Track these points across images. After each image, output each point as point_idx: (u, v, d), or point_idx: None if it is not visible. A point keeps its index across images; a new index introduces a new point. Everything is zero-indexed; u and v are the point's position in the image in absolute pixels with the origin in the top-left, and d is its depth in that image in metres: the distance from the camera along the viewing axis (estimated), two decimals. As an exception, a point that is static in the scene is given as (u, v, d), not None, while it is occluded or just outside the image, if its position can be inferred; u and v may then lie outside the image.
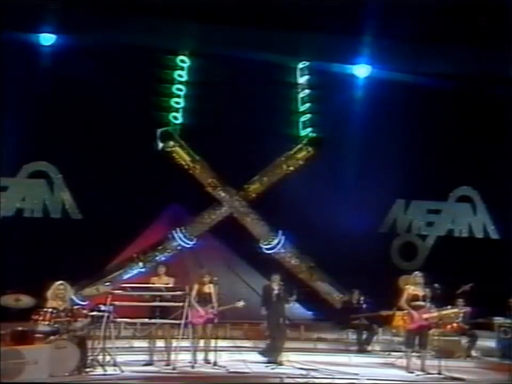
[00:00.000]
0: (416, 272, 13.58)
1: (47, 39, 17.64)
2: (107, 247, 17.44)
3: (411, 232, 20.50)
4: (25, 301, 12.38)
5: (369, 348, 15.80)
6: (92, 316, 12.29)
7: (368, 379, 12.24)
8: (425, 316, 13.05)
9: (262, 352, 13.99)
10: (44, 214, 18.42)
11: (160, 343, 13.43)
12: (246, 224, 19.11)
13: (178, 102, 18.96)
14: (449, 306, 14.20)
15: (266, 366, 13.35)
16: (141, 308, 13.29)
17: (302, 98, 19.53)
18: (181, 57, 19.03)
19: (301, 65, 19.55)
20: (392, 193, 19.78)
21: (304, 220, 18.25)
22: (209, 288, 13.52)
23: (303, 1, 16.75)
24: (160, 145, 18.78)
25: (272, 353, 13.71)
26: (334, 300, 18.86)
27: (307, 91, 19.57)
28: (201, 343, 13.43)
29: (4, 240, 16.29)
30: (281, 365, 13.35)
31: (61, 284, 12.40)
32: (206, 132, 18.34)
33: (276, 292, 13.83)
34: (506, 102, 17.71)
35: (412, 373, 12.94)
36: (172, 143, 18.82)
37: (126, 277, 17.90)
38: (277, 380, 12.03)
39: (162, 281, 13.53)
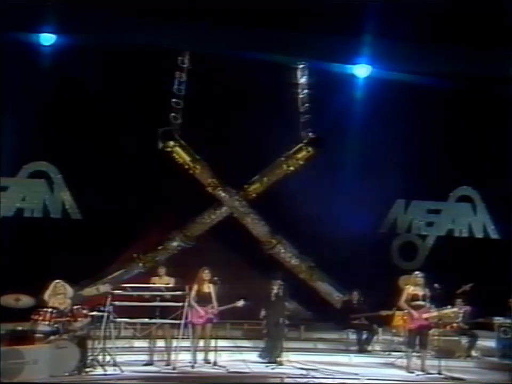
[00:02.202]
0: (416, 272, 13.60)
1: (47, 39, 17.62)
2: (107, 247, 17.42)
3: (411, 232, 20.48)
4: (25, 301, 12.39)
5: (369, 348, 15.82)
6: (92, 315, 12.31)
7: (368, 379, 12.28)
8: (425, 315, 13.08)
9: (261, 354, 14.00)
10: (44, 214, 18.40)
11: (160, 343, 13.44)
12: (246, 224, 19.11)
13: (178, 102, 18.95)
14: (449, 306, 14.21)
15: (266, 366, 13.38)
16: (141, 308, 13.29)
17: (302, 98, 19.51)
18: (181, 57, 19.03)
19: (301, 65, 19.55)
20: (392, 193, 19.78)
21: (304, 220, 18.24)
22: (208, 288, 13.54)
23: (303, 2, 16.74)
24: (160, 145, 18.77)
25: (271, 353, 13.71)
26: (334, 299, 18.85)
27: (307, 91, 19.56)
28: (201, 343, 13.44)
29: (4, 240, 16.29)
30: (281, 365, 13.36)
31: (59, 283, 12.43)
32: (206, 132, 18.33)
33: (275, 291, 13.85)
34: (506, 102, 17.70)
35: (412, 373, 12.97)
36: (171, 143, 18.81)
37: (126, 277, 17.89)
38: (277, 380, 12.07)
39: (163, 281, 13.56)
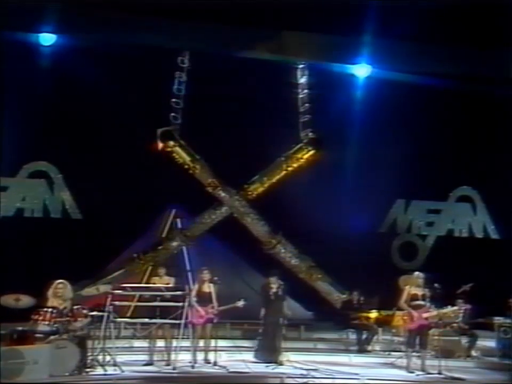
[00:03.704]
0: (416, 272, 13.59)
1: (47, 39, 17.62)
2: (107, 247, 17.43)
3: (411, 232, 20.51)
4: (25, 301, 12.37)
5: (369, 348, 15.81)
6: (92, 315, 12.31)
7: (368, 379, 12.27)
8: (425, 315, 13.07)
9: (256, 354, 13.92)
10: (44, 214, 18.43)
11: (160, 343, 13.44)
12: (246, 224, 19.10)
13: (178, 102, 18.95)
14: (449, 306, 14.20)
15: (266, 366, 13.36)
16: (141, 308, 13.29)
17: (302, 98, 19.51)
18: (181, 57, 19.03)
19: (301, 65, 19.55)
20: (392, 193, 19.79)
21: (304, 220, 18.24)
22: (209, 288, 13.54)
23: (303, 1, 16.74)
24: (160, 145, 18.78)
25: (269, 354, 13.67)
26: (334, 299, 18.85)
27: (307, 91, 19.56)
28: (201, 343, 13.44)
29: (4, 240, 16.29)
30: (281, 365, 13.35)
31: (61, 283, 12.42)
32: (206, 132, 18.33)
33: (274, 290, 13.83)
34: (506, 102, 17.70)
35: (412, 372, 12.96)
36: (171, 143, 18.81)
37: (126, 277, 17.87)
38: (277, 380, 12.06)
39: (163, 281, 13.56)
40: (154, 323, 13.20)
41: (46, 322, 11.79)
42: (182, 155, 18.87)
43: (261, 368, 13.26)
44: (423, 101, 18.63)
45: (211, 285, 13.54)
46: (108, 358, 12.31)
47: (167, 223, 18.87)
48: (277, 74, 19.01)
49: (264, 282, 14.36)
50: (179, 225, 18.77)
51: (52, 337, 11.64)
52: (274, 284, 13.91)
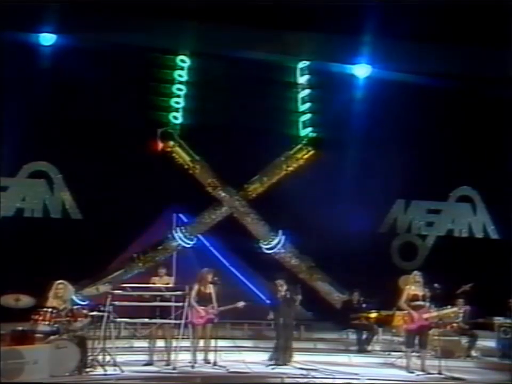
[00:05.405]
0: (416, 272, 13.58)
1: (47, 39, 17.64)
2: (107, 247, 17.43)
3: (411, 232, 20.49)
4: (25, 301, 12.36)
5: (369, 348, 15.80)
6: (92, 315, 12.30)
7: (368, 379, 12.25)
8: (425, 315, 13.06)
9: (272, 355, 13.85)
10: (44, 214, 18.42)
11: (160, 343, 13.44)
12: (246, 224, 19.12)
13: (178, 102, 18.97)
14: (449, 306, 14.20)
15: (267, 366, 13.35)
16: (141, 308, 13.29)
17: (302, 98, 19.53)
18: (181, 57, 19.05)
19: (301, 65, 19.56)
20: (392, 193, 19.78)
21: (304, 220, 18.24)
22: (209, 288, 13.52)
23: (303, 1, 16.75)
24: (160, 145, 18.80)
25: (281, 355, 13.62)
26: (334, 299, 18.86)
27: (307, 91, 19.57)
28: (201, 343, 13.43)
29: (4, 240, 16.29)
30: (281, 364, 13.34)
31: (61, 283, 12.42)
32: (206, 132, 18.35)
33: (282, 293, 13.76)
34: (506, 102, 17.70)
35: (412, 373, 12.94)
36: (171, 143, 18.84)
37: (126, 277, 17.89)
38: (277, 380, 12.04)
39: (163, 281, 13.55)
40: (154, 323, 13.20)
41: (46, 322, 11.79)
42: (182, 155, 18.90)
43: (261, 368, 13.25)
44: (423, 101, 18.62)
45: (211, 285, 13.52)
46: (108, 358, 12.30)
47: (167, 223, 18.86)
48: (277, 74, 19.04)
49: (272, 285, 14.21)
50: (179, 225, 18.78)
51: (51, 337, 11.64)
52: (282, 286, 13.82)
